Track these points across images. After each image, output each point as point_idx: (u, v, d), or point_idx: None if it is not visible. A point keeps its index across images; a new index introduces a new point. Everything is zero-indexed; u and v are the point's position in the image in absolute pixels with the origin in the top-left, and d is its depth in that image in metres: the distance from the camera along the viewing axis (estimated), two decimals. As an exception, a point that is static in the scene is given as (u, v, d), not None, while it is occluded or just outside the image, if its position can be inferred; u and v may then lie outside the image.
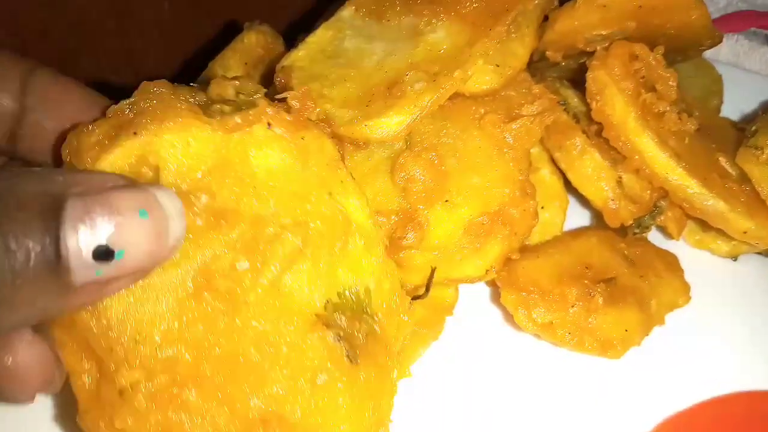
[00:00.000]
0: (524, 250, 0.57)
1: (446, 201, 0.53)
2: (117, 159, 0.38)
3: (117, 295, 0.38)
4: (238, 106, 0.41)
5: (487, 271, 0.54)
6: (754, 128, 0.61)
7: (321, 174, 0.43)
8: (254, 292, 0.39)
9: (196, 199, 0.39)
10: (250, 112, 0.41)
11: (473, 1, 0.53)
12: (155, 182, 0.38)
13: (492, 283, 0.59)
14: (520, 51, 0.56)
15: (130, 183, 0.36)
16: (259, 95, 0.42)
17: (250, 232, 0.40)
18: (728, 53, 0.80)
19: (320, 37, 0.54)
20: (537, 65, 0.62)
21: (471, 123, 0.55)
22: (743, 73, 0.79)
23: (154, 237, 0.35)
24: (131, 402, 0.38)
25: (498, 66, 0.55)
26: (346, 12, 0.55)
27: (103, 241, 0.33)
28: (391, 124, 0.48)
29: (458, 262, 0.53)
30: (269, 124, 0.41)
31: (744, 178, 0.59)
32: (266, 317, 0.40)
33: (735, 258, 0.64)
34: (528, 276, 0.56)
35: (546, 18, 0.58)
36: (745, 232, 0.57)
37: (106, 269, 0.33)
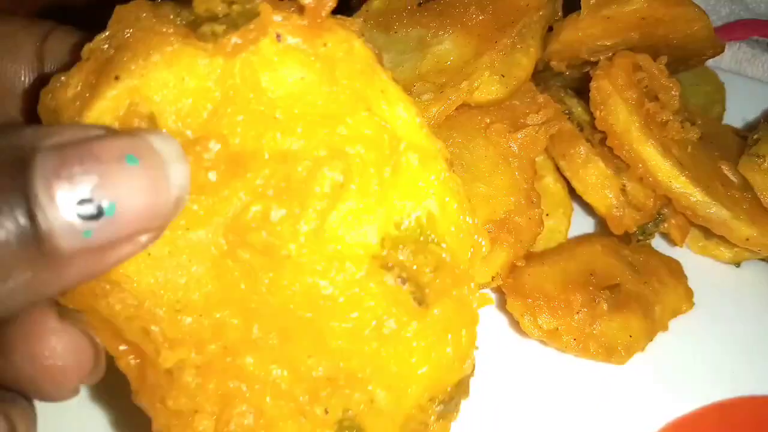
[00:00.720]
0: (529, 257, 0.58)
1: (453, 209, 0.54)
2: (101, 114, 0.32)
3: (142, 267, 0.34)
4: (234, 22, 0.33)
5: (493, 278, 0.55)
6: (756, 136, 0.62)
7: (354, 86, 0.36)
8: (296, 241, 0.35)
9: (205, 149, 0.33)
10: (251, 25, 0.33)
11: (479, 13, 0.54)
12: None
13: (498, 290, 0.59)
14: (525, 61, 0.57)
15: (112, 131, 0.31)
16: (259, 0, 0.34)
17: (280, 173, 0.34)
18: (730, 61, 0.81)
19: (329, 48, 0.55)
20: (542, 75, 0.62)
21: (477, 133, 0.56)
22: (746, 81, 0.80)
23: (150, 185, 0.30)
24: (181, 380, 0.35)
25: (503, 76, 0.56)
26: (354, 24, 0.56)
27: (86, 195, 0.28)
28: (399, 134, 0.49)
29: (465, 269, 0.54)
30: (278, 36, 0.34)
31: (746, 186, 0.60)
32: (314, 268, 0.35)
33: (738, 264, 0.65)
34: (533, 283, 0.56)
35: (550, 29, 0.59)
36: (747, 239, 0.58)
37: (97, 230, 0.28)
